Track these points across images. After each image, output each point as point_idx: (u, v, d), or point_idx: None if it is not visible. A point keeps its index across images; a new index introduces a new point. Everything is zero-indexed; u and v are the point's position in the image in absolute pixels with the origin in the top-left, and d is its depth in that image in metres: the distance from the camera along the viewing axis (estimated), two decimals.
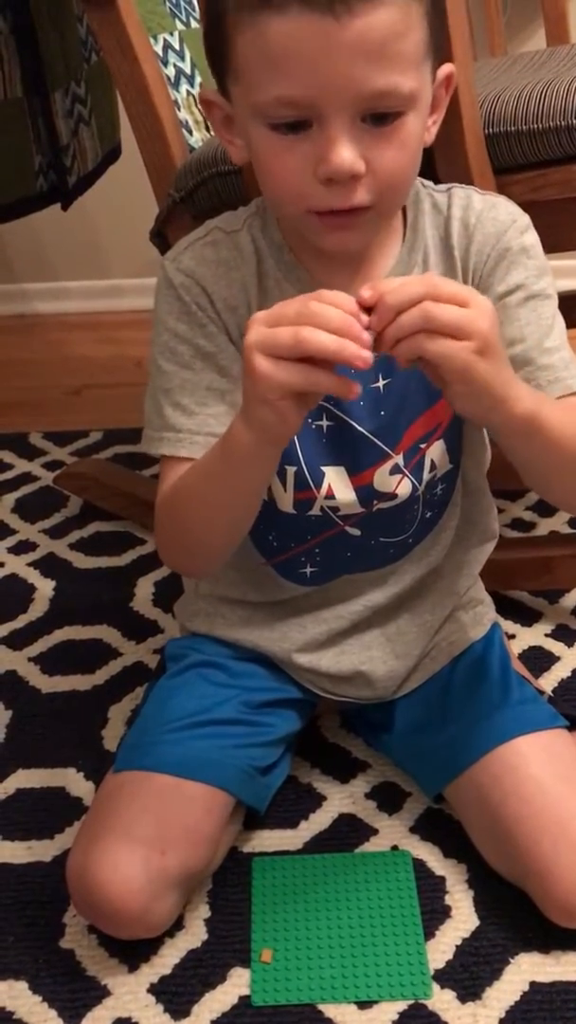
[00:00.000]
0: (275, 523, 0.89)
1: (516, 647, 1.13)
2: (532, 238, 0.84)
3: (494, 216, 0.83)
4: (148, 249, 1.20)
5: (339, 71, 0.66)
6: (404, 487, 0.87)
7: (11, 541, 1.45)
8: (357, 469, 0.86)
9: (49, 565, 1.39)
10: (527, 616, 1.19)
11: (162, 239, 1.17)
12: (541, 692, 0.92)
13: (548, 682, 1.08)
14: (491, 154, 0.99)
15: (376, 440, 0.85)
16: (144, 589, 1.31)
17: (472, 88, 0.94)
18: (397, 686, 0.94)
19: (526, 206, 1.00)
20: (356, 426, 0.84)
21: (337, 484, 0.86)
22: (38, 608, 1.30)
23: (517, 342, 0.82)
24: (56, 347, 2.16)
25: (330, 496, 0.86)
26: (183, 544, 0.86)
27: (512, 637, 1.15)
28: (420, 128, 0.73)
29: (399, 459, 0.86)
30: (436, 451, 0.88)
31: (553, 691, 1.07)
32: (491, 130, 0.98)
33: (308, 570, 0.92)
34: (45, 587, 1.34)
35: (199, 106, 0.77)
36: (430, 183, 0.86)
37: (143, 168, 1.14)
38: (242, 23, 0.68)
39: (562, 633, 1.16)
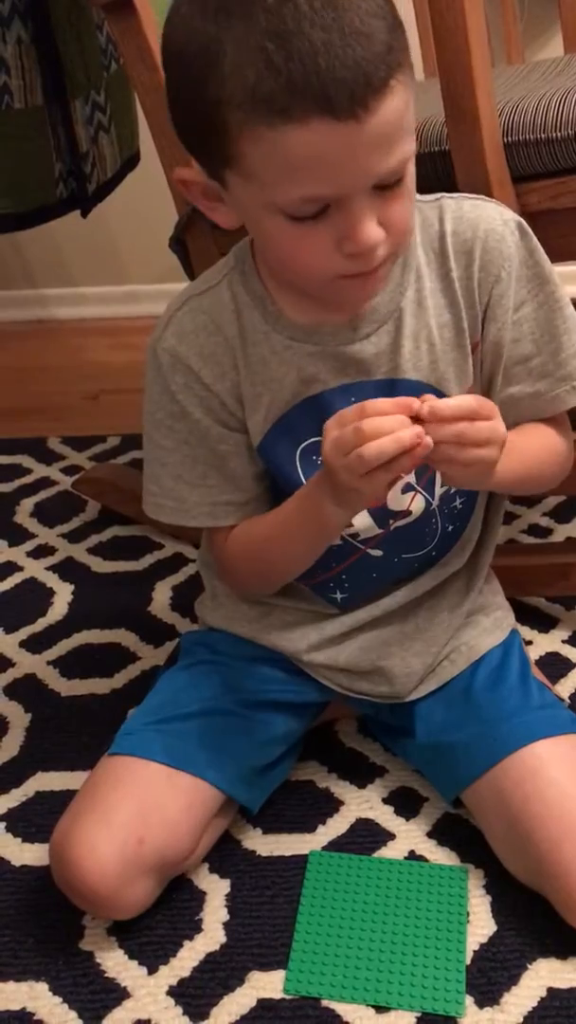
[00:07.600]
0: None
1: (532, 653, 1.13)
2: (532, 242, 0.84)
3: (490, 227, 0.82)
4: (165, 255, 1.20)
5: (361, 166, 0.68)
6: (418, 503, 0.87)
7: (30, 545, 1.46)
8: None
9: (67, 569, 1.40)
10: (543, 622, 1.19)
11: (181, 246, 1.18)
12: (560, 699, 0.93)
13: (565, 688, 1.08)
14: (510, 163, 0.99)
15: None
16: (162, 593, 1.32)
17: (491, 96, 0.95)
18: (415, 685, 0.95)
19: (544, 214, 1.01)
20: None
21: None
22: (56, 612, 1.31)
23: (534, 356, 0.85)
24: (74, 352, 2.17)
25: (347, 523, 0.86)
26: (267, 579, 0.92)
27: (528, 643, 1.15)
28: (414, 167, 0.73)
29: (410, 477, 0.85)
30: None
31: (570, 697, 1.07)
32: (510, 138, 0.99)
33: (339, 595, 0.93)
34: (63, 591, 1.35)
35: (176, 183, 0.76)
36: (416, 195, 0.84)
37: (162, 175, 1.15)
38: (255, 131, 0.66)
39: None
